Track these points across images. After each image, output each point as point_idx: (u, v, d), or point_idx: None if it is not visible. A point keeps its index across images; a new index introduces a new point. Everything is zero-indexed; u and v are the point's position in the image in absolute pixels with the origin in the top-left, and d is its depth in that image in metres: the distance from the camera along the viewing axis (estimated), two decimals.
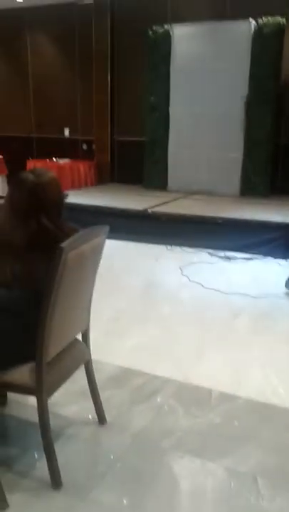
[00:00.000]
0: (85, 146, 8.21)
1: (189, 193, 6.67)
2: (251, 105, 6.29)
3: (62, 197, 1.85)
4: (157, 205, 5.90)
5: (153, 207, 5.82)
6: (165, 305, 3.69)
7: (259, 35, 6.12)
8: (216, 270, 4.54)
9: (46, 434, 1.77)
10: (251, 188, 6.52)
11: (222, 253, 4.95)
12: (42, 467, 1.84)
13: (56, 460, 1.79)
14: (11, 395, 2.25)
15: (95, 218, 5.51)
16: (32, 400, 2.02)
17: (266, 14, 6.09)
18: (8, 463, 1.91)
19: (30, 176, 1.75)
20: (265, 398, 2.41)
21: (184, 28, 6.62)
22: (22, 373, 1.76)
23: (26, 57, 8.35)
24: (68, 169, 7.46)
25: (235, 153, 6.52)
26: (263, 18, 6.09)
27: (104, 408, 2.20)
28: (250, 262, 4.78)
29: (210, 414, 2.26)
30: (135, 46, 7.17)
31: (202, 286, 4.08)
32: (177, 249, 5.16)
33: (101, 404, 2.19)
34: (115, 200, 6.22)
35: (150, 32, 6.72)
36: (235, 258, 4.85)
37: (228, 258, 4.86)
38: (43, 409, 1.76)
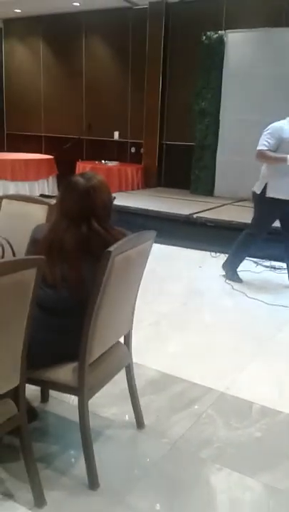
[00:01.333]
0: (133, 150, 8.28)
1: (236, 199, 6.59)
2: None
3: (111, 200, 1.86)
4: (203, 211, 5.87)
5: (199, 212, 5.78)
6: (207, 312, 3.66)
7: None
8: (261, 280, 4.46)
9: (86, 434, 1.79)
10: None
11: (268, 263, 4.85)
12: (80, 466, 1.87)
13: (94, 461, 1.80)
14: (53, 392, 2.29)
15: (140, 221, 5.55)
16: (73, 398, 2.07)
17: None
18: (48, 460, 1.95)
19: (81, 180, 1.78)
20: None
21: (238, 34, 6.56)
22: (65, 372, 1.79)
23: (81, 59, 8.53)
24: (116, 172, 7.55)
25: None
26: None
27: (142, 412, 2.20)
28: None
29: (250, 428, 2.22)
30: (188, 51, 7.17)
31: (246, 295, 4.02)
32: (222, 256, 5.09)
33: (140, 408, 2.19)
34: (161, 204, 6.24)
35: (204, 37, 6.71)
36: (281, 268, 4.73)
37: (274, 268, 4.75)
38: (83, 409, 1.78)
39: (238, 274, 4.39)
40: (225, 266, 4.44)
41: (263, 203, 4.03)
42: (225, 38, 6.61)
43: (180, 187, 7.44)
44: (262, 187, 3.98)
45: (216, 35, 6.65)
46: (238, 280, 4.34)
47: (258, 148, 3.89)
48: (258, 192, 4.02)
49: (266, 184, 3.94)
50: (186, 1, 7.24)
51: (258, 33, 6.45)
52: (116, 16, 7.92)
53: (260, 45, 6.43)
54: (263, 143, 3.86)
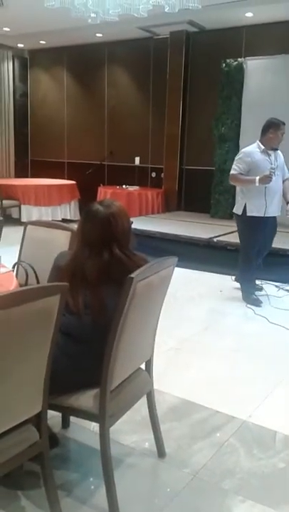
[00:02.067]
0: (154, 174, 8.38)
1: None
2: None
3: (131, 226, 1.89)
4: (223, 235, 5.86)
5: (219, 236, 5.78)
6: (229, 338, 3.62)
7: None
8: (283, 304, 4.40)
9: (107, 463, 1.78)
10: None
11: None
12: (100, 495, 1.85)
13: (115, 490, 1.78)
14: (74, 418, 2.28)
15: (160, 245, 5.57)
16: (94, 425, 2.06)
17: None
18: (68, 487, 1.93)
19: (100, 208, 1.81)
20: None
21: (257, 62, 6.66)
22: (87, 399, 1.79)
23: (103, 88, 8.75)
24: (137, 196, 7.64)
25: None
26: None
27: (163, 440, 2.18)
28: None
29: (274, 458, 2.17)
30: (208, 78, 7.31)
31: (267, 320, 3.97)
32: None
33: (161, 436, 2.17)
34: (182, 228, 6.26)
35: (224, 65, 6.83)
36: None
37: None
38: (104, 436, 1.77)
39: (255, 297, 4.40)
40: (243, 296, 4.48)
41: (244, 222, 4.31)
42: (244, 66, 6.71)
43: (200, 211, 7.47)
44: (242, 208, 4.26)
45: (235, 63, 6.76)
46: (256, 303, 4.33)
47: (231, 172, 4.26)
48: (240, 213, 4.30)
49: (245, 204, 4.23)
50: (206, 30, 7.41)
51: (277, 60, 6.53)
52: (137, 45, 8.13)
53: (279, 71, 6.49)
54: (235, 167, 4.21)
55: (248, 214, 4.21)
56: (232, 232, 6.02)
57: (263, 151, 4.17)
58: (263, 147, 4.18)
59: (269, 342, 3.56)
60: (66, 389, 1.79)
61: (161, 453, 2.16)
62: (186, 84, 7.69)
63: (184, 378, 2.93)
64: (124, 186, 8.02)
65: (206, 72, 7.38)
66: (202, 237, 5.76)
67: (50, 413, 1.77)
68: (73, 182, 8.40)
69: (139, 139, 8.37)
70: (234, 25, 7.01)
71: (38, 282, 2.43)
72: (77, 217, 8.06)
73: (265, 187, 4.08)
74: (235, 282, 4.72)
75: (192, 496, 1.94)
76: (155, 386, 2.16)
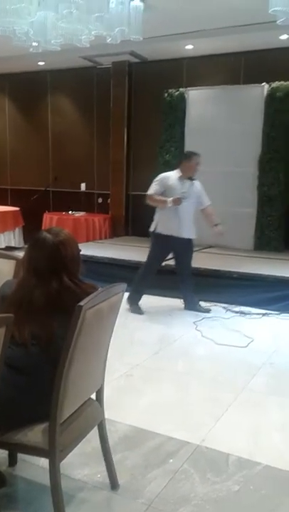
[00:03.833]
0: (100, 200, 8.40)
1: (203, 246, 6.70)
2: (264, 163, 6.45)
3: (79, 253, 1.87)
4: (171, 259, 5.92)
5: (167, 260, 5.83)
6: (179, 362, 3.63)
7: (272, 97, 6.35)
8: (231, 325, 4.48)
9: (58, 499, 1.71)
10: (265, 242, 6.56)
11: (237, 308, 4.90)
12: None
13: None
14: (21, 454, 2.18)
15: (108, 270, 5.55)
16: (43, 460, 1.97)
17: (279, 79, 6.36)
18: None
19: (49, 236, 1.78)
20: (286, 465, 2.30)
21: (198, 92, 6.93)
22: (35, 434, 1.72)
23: (47, 115, 8.75)
24: (84, 222, 7.60)
25: (249, 208, 6.62)
26: (276, 82, 6.35)
27: (116, 471, 2.12)
28: (266, 318, 4.72)
29: (228, 482, 2.16)
30: (151, 107, 7.49)
31: (214, 342, 4.02)
32: None
33: (114, 467, 2.11)
34: (130, 253, 6.27)
35: (166, 94, 7.04)
36: (250, 313, 4.80)
37: (243, 313, 4.81)
38: (55, 472, 1.70)
39: (139, 307, 4.82)
40: (128, 300, 4.82)
41: (154, 239, 4.79)
42: (186, 95, 6.95)
43: (147, 236, 7.50)
44: (154, 225, 4.74)
45: (177, 93, 6.99)
46: (140, 312, 4.75)
47: (147, 192, 4.68)
48: (152, 230, 4.77)
49: (157, 223, 4.71)
50: (148, 61, 7.63)
51: (217, 91, 6.83)
52: (80, 73, 8.22)
53: (218, 101, 6.78)
54: (151, 188, 4.66)
55: (157, 231, 4.70)
56: None
57: (179, 178, 4.64)
58: (179, 174, 4.65)
59: (218, 363, 3.60)
60: (13, 425, 1.71)
61: (114, 485, 2.10)
62: (130, 112, 7.85)
63: (136, 405, 2.88)
64: (70, 212, 7.97)
65: (149, 100, 7.57)
66: None
67: None
68: (17, 208, 8.25)
69: (84, 165, 8.39)
70: (175, 57, 7.26)
71: None
72: (22, 244, 7.90)
73: (178, 210, 4.51)
74: (183, 306, 4.91)
75: None
76: (106, 415, 2.11)
